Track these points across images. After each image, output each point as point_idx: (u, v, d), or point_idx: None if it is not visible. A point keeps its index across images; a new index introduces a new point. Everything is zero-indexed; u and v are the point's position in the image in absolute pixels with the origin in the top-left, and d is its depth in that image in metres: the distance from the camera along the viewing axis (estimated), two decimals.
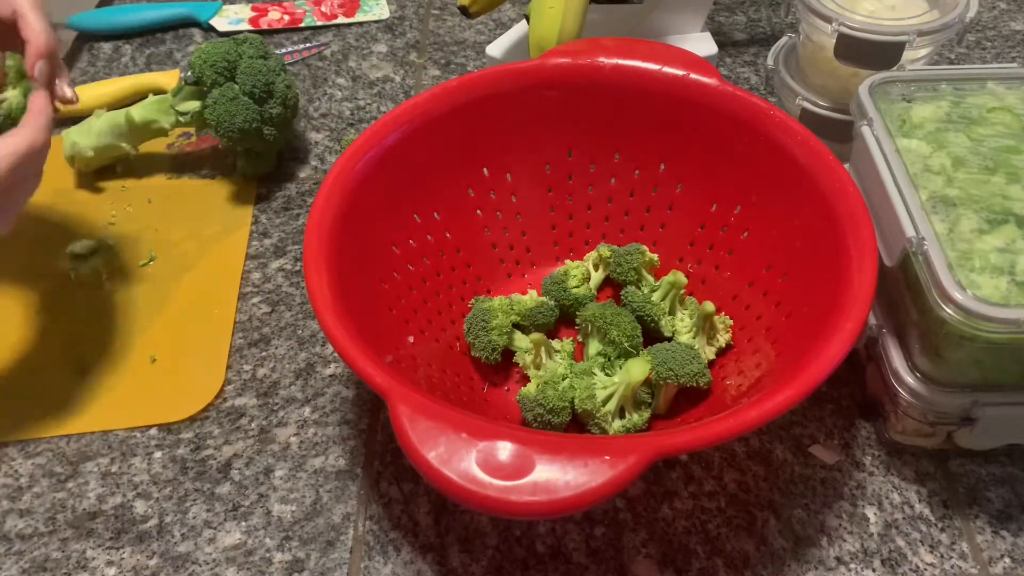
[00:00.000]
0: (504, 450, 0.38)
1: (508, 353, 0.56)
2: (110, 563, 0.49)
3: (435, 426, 0.39)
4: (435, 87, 0.56)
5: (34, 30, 0.51)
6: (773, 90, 0.70)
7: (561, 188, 0.61)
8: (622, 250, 0.59)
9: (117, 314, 0.62)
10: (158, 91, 0.72)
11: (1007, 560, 0.48)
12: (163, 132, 0.70)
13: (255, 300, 0.63)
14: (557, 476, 0.37)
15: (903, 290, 0.49)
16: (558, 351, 0.56)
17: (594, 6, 0.73)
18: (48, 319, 0.62)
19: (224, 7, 0.90)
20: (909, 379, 0.48)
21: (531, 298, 0.58)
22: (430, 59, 0.84)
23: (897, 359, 0.49)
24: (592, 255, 0.61)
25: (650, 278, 0.59)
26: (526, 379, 0.56)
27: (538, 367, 0.55)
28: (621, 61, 0.57)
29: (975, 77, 0.55)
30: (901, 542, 0.49)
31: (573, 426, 0.53)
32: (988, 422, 0.48)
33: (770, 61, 0.70)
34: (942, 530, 0.50)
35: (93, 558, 0.50)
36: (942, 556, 0.49)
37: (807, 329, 0.47)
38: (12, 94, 0.51)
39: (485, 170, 0.59)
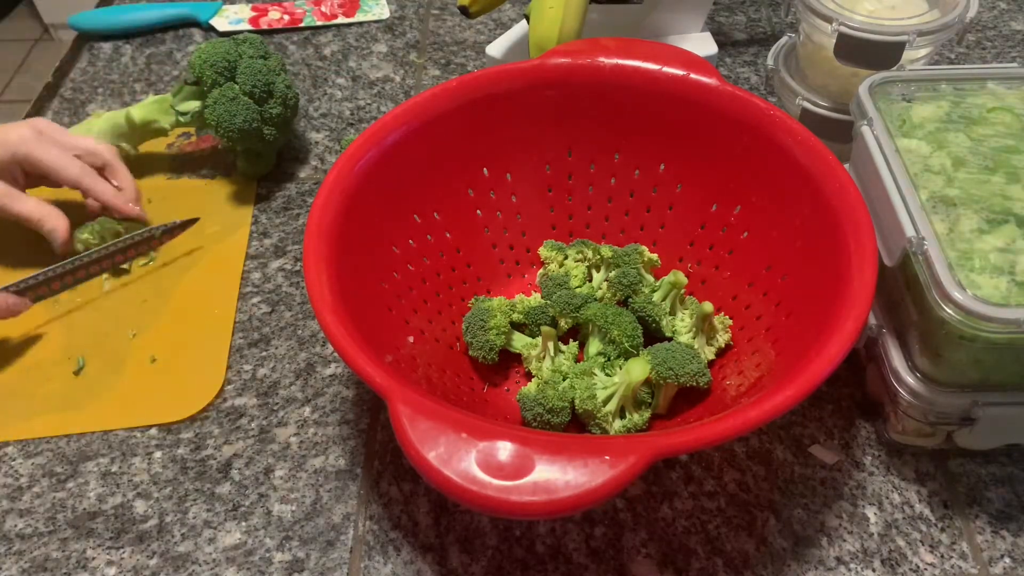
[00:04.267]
0: (504, 450, 0.38)
1: (508, 353, 0.56)
2: (110, 563, 0.49)
3: (435, 426, 0.39)
4: (435, 87, 0.56)
5: (125, 178, 0.66)
6: (773, 90, 0.70)
7: (561, 188, 0.61)
8: (622, 250, 0.59)
9: (117, 314, 0.62)
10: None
11: (1007, 560, 0.48)
12: (163, 132, 0.70)
13: (255, 300, 0.63)
14: (557, 476, 0.37)
15: (903, 290, 0.49)
16: (562, 351, 0.56)
17: (594, 6, 0.73)
18: (48, 319, 0.62)
19: (224, 7, 0.90)
20: (909, 379, 0.48)
21: (533, 298, 0.59)
22: (430, 59, 0.84)
23: (897, 359, 0.49)
24: (592, 255, 0.61)
25: (650, 278, 0.59)
26: (526, 379, 0.56)
27: (541, 360, 0.55)
28: (621, 61, 0.57)
29: (975, 77, 0.55)
30: (901, 542, 0.49)
31: (573, 426, 0.53)
32: (988, 422, 0.48)
33: (770, 61, 0.70)
34: (942, 530, 0.50)
35: (93, 558, 0.50)
36: (942, 556, 0.49)
37: (807, 329, 0.47)
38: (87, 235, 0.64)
39: (485, 170, 0.59)
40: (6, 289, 0.58)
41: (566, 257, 0.60)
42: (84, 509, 0.52)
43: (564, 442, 0.39)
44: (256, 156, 0.71)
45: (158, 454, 0.54)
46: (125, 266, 0.65)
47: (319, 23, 0.88)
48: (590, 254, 0.60)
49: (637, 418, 0.51)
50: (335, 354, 0.59)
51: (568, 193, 0.62)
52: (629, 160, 0.60)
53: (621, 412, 0.52)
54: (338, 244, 0.49)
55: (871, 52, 0.60)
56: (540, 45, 0.64)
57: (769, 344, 0.52)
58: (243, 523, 0.51)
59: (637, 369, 0.50)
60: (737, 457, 0.53)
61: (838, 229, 0.48)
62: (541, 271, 0.61)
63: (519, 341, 0.56)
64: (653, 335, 0.57)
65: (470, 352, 0.56)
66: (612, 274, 0.58)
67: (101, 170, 0.65)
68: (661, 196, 0.60)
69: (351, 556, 0.49)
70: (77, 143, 0.64)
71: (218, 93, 0.66)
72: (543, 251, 0.61)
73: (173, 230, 0.66)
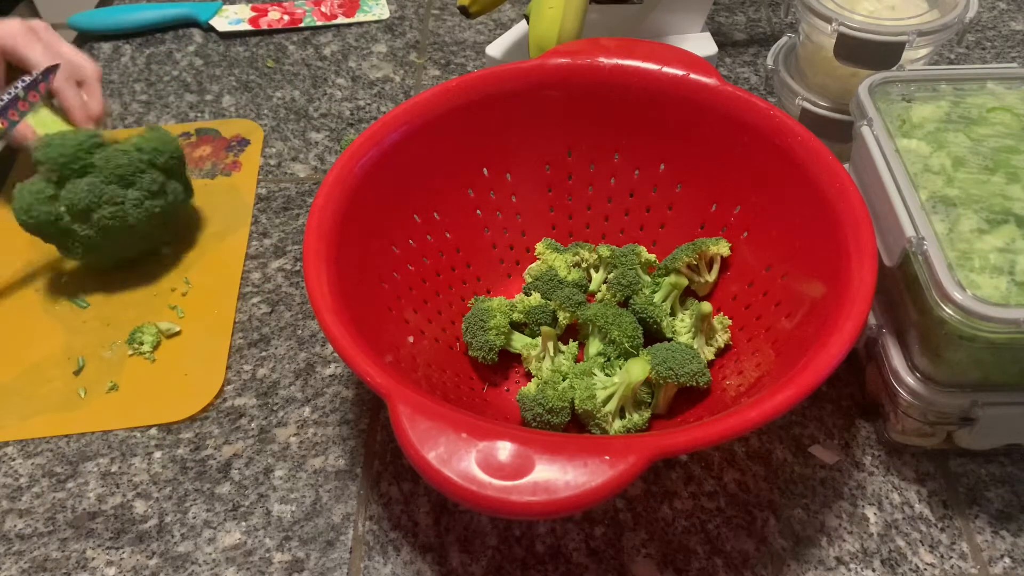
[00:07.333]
0: (504, 450, 0.38)
1: (508, 353, 0.56)
2: (110, 563, 0.49)
3: (435, 426, 0.39)
4: (435, 87, 0.56)
5: (97, 99, 0.67)
6: (773, 90, 0.70)
7: (561, 188, 0.61)
8: (620, 250, 0.59)
9: (117, 314, 0.62)
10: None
11: (1007, 560, 0.48)
12: None
13: (255, 300, 0.63)
14: (557, 476, 0.37)
15: (903, 290, 0.49)
16: (562, 351, 0.56)
17: (594, 6, 0.73)
18: (48, 319, 0.62)
19: (224, 7, 0.90)
20: (909, 379, 0.48)
21: (533, 298, 0.59)
22: (430, 59, 0.84)
23: (897, 359, 0.49)
24: (589, 256, 0.61)
25: (648, 278, 0.59)
26: (526, 379, 0.56)
27: (541, 360, 0.55)
28: (621, 61, 0.57)
29: (975, 77, 0.55)
30: (901, 542, 0.49)
31: (573, 426, 0.53)
32: (988, 422, 0.48)
33: (770, 61, 0.70)
34: (942, 530, 0.50)
35: (93, 558, 0.50)
36: (942, 556, 0.49)
37: (807, 329, 0.47)
38: None
39: (485, 170, 0.59)
40: None
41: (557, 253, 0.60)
42: (84, 509, 0.52)
43: (564, 442, 0.39)
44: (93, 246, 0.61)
45: (158, 454, 0.54)
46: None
47: (319, 23, 0.88)
48: (587, 255, 0.60)
49: (637, 418, 0.51)
50: (335, 354, 0.59)
51: (568, 193, 0.62)
52: (629, 160, 0.60)
53: (621, 412, 0.52)
54: (338, 244, 0.49)
55: (871, 52, 0.60)
56: (540, 45, 0.64)
57: (769, 344, 0.52)
58: (243, 523, 0.51)
59: (637, 369, 0.50)
60: (737, 457, 0.53)
61: (838, 229, 0.48)
62: (528, 268, 0.61)
63: (519, 341, 0.56)
64: (653, 335, 0.57)
65: (470, 352, 0.56)
66: (611, 275, 0.58)
67: (79, 84, 0.66)
68: (661, 196, 0.60)
69: (351, 556, 0.49)
70: (63, 51, 0.64)
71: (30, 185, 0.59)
72: (539, 247, 0.61)
73: (36, 81, 0.63)
